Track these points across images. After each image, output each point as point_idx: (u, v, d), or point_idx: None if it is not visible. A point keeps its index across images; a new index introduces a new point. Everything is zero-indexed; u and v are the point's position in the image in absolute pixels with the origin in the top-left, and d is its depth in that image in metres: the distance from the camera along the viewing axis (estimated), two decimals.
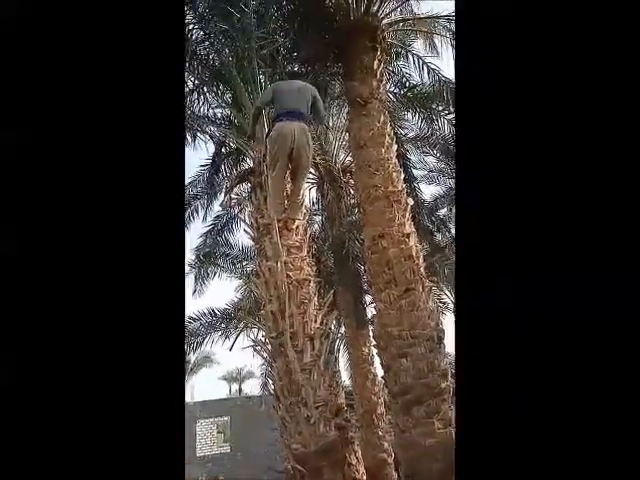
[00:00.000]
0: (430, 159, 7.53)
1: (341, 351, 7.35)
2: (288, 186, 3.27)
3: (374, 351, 5.34)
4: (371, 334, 5.89)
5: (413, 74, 5.66)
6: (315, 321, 3.06)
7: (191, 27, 4.40)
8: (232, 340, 7.11)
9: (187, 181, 6.39)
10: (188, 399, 16.58)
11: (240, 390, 22.59)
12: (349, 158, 6.82)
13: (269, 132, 3.04)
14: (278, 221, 3.31)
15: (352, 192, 6.73)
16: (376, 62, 4.34)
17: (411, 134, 6.92)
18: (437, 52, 6.09)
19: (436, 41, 5.97)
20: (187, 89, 4.94)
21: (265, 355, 3.53)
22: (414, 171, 7.00)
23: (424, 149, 7.25)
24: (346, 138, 6.57)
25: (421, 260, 3.50)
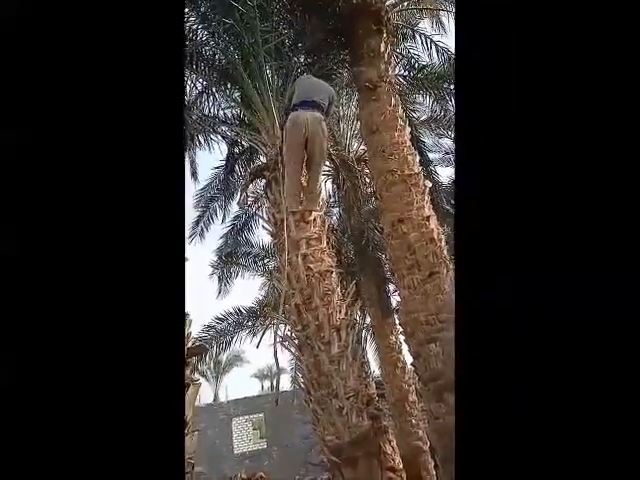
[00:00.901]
0: (445, 141, 7.38)
1: (368, 341, 7.32)
2: (304, 178, 3.24)
3: (402, 339, 5.30)
4: (397, 322, 5.85)
5: (422, 55, 5.53)
6: (340, 312, 3.04)
7: (194, 28, 4.40)
8: (259, 337, 7.17)
9: (203, 184, 6.47)
10: (222, 398, 16.91)
11: (272, 387, 22.89)
12: (362, 147, 6.75)
13: (283, 123, 3.02)
14: (294, 213, 3.29)
15: (368, 181, 6.66)
16: (383, 45, 4.25)
17: (424, 117, 6.80)
18: (444, 30, 5.94)
19: (443, 19, 5.82)
20: (196, 91, 4.98)
21: (293, 349, 3.54)
22: (430, 154, 6.88)
23: (438, 131, 7.10)
24: (358, 127, 6.51)
25: (443, 243, 3.42)
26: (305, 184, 3.21)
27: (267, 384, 23.57)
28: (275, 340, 2.42)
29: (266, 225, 3.73)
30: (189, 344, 2.12)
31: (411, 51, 5.57)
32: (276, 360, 2.70)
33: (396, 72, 5.14)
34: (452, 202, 7.35)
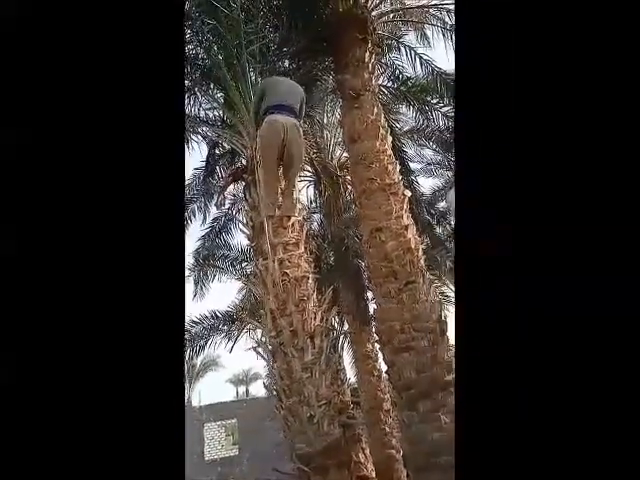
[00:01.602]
0: (427, 152, 7.49)
1: (345, 348, 7.31)
2: (281, 184, 3.22)
3: (377, 348, 5.30)
4: (374, 331, 5.86)
5: (406, 66, 5.61)
6: (315, 318, 3.01)
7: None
8: (234, 342, 7.07)
9: None
10: (195, 403, 16.59)
11: (247, 392, 22.60)
12: (345, 154, 6.78)
13: (258, 126, 2.97)
14: (272, 218, 3.25)
15: (349, 188, 6.69)
16: (367, 54, 4.29)
17: (406, 127, 6.88)
18: (429, 43, 6.04)
19: (427, 32, 5.92)
20: None
21: (266, 355, 3.49)
22: (411, 164, 6.96)
23: (420, 142, 7.19)
24: (341, 134, 6.54)
25: (421, 252, 3.45)
26: (282, 190, 3.18)
27: (242, 389, 23.29)
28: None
29: (244, 228, 3.68)
30: None
31: (395, 62, 5.66)
32: None
33: (380, 82, 5.20)
34: (432, 212, 7.46)
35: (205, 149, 5.65)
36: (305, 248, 3.39)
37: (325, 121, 6.83)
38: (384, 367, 5.48)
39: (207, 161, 5.89)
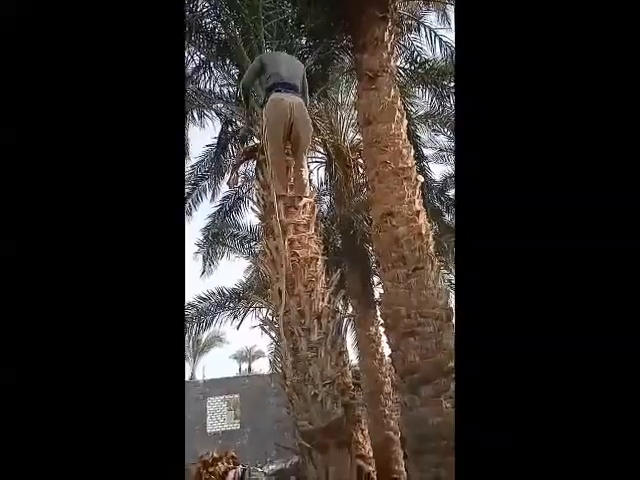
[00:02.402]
0: (441, 138, 7.36)
1: (349, 331, 7.38)
2: (291, 164, 3.20)
3: (381, 331, 5.33)
4: (378, 314, 5.89)
5: (425, 48, 5.47)
6: (322, 300, 3.03)
7: None
8: (240, 319, 7.16)
9: (194, 161, 6.35)
10: (199, 377, 16.95)
11: (250, 369, 23.01)
12: (358, 137, 6.70)
13: (264, 102, 2.92)
14: (283, 198, 3.25)
15: (361, 171, 6.63)
16: (387, 34, 4.18)
17: (421, 112, 6.76)
18: (449, 24, 5.87)
19: (449, 13, 5.75)
20: (193, 65, 4.85)
21: (272, 333, 3.53)
22: (424, 150, 6.86)
23: (434, 127, 7.07)
24: (355, 116, 6.45)
25: (430, 239, 3.43)
26: (292, 170, 3.17)
27: (245, 366, 23.71)
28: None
29: (255, 207, 3.68)
30: None
31: (414, 43, 5.52)
32: None
33: (398, 63, 5.08)
34: (442, 199, 7.39)
35: (218, 126, 5.61)
36: (315, 230, 3.39)
37: (339, 101, 6.72)
38: (386, 351, 5.54)
39: (219, 138, 5.85)
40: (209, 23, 4.43)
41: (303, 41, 4.51)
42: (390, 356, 3.41)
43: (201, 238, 7.22)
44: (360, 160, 6.55)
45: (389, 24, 4.23)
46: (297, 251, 3.16)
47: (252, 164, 4.20)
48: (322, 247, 3.43)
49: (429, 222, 3.72)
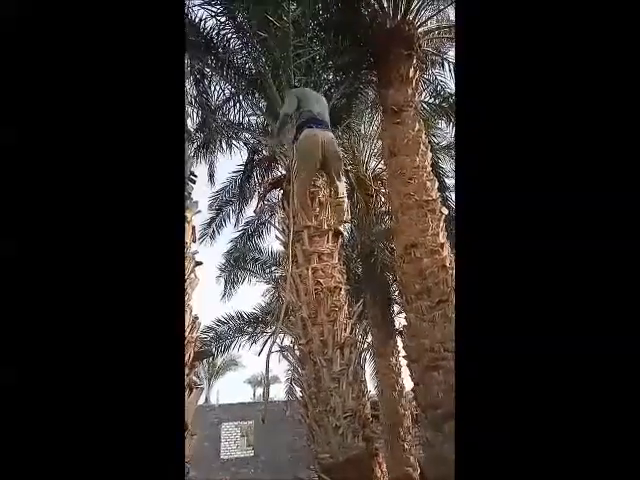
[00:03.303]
0: None
1: (367, 360, 7.27)
2: (324, 190, 3.30)
3: (402, 362, 5.25)
4: (399, 344, 5.81)
5: (448, 82, 5.60)
6: (345, 330, 3.04)
7: (229, 37, 4.51)
8: (259, 344, 7.16)
9: (219, 187, 6.55)
10: (213, 401, 16.79)
11: (264, 394, 22.66)
12: (380, 166, 6.80)
13: (295, 138, 3.04)
14: (309, 227, 3.32)
15: (383, 200, 6.69)
16: (412, 70, 4.31)
17: (444, 142, 6.84)
18: None
19: None
20: (223, 97, 5.08)
21: (292, 360, 3.53)
22: (446, 180, 6.90)
23: None
24: (377, 146, 6.57)
25: (454, 271, 3.42)
26: (334, 197, 3.27)
27: (259, 391, 23.40)
28: (269, 351, 2.38)
29: (279, 235, 3.76)
30: (195, 348, 2.13)
31: (438, 78, 5.66)
32: (266, 373, 2.66)
33: (422, 98, 5.21)
34: None
35: (245, 154, 5.80)
36: (339, 259, 3.43)
37: (362, 132, 6.87)
38: (406, 383, 5.42)
39: (245, 165, 6.04)
40: (240, 59, 4.66)
41: (330, 76, 4.68)
42: (413, 390, 3.36)
43: (223, 262, 7.34)
44: (382, 189, 6.64)
45: (414, 61, 4.37)
46: (321, 280, 3.20)
47: (276, 192, 4.32)
48: (345, 276, 3.46)
49: (453, 254, 3.72)
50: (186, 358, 1.95)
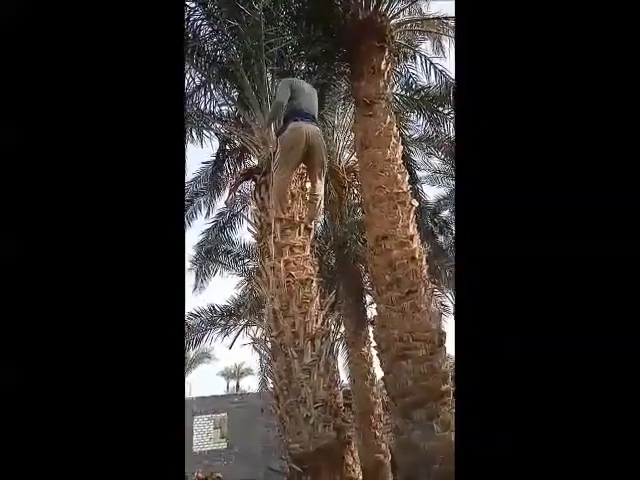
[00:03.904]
0: (434, 160, 7.53)
1: (340, 350, 7.36)
2: (305, 186, 3.29)
3: (373, 351, 5.34)
4: (371, 335, 5.90)
5: (420, 75, 5.66)
6: (316, 321, 3.06)
7: (199, 23, 4.39)
8: (231, 337, 7.12)
9: (190, 177, 6.41)
10: (186, 394, 16.61)
11: (238, 386, 22.65)
12: (353, 158, 6.82)
13: (281, 130, 3.01)
14: (281, 219, 3.31)
15: (355, 192, 6.73)
16: (384, 63, 4.32)
17: (415, 135, 6.93)
18: (444, 53, 6.09)
19: (444, 42, 5.96)
20: (194, 85, 4.95)
21: (264, 353, 3.53)
22: (417, 172, 7.01)
23: (428, 150, 7.23)
24: (351, 138, 6.58)
25: (424, 262, 3.49)
26: (307, 192, 3.25)
27: (232, 383, 23.33)
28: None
29: (251, 228, 3.73)
30: None
31: (410, 70, 5.70)
32: None
33: (394, 90, 5.24)
34: (436, 221, 7.50)
35: (216, 144, 5.69)
36: (311, 251, 3.44)
37: (336, 123, 6.87)
38: (378, 372, 5.52)
39: (217, 156, 5.93)
40: (211, 46, 4.55)
41: (302, 67, 4.64)
42: (383, 379, 3.43)
43: (194, 254, 7.23)
44: (354, 181, 6.67)
45: (386, 53, 4.38)
46: (292, 272, 3.20)
47: (249, 184, 4.27)
48: (317, 268, 3.47)
49: (422, 245, 3.79)
50: None
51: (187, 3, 4.25)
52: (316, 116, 3.03)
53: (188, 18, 4.37)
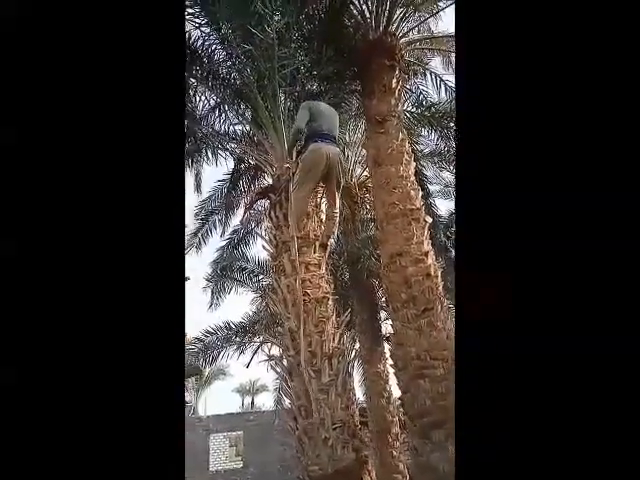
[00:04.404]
0: (446, 174, 7.52)
1: (355, 367, 7.28)
2: (319, 203, 3.33)
3: (389, 368, 5.27)
4: (387, 351, 5.83)
5: (430, 91, 5.71)
6: (333, 340, 3.05)
7: (214, 48, 4.52)
8: (247, 354, 7.11)
9: (205, 196, 6.52)
10: (201, 412, 16.56)
11: (253, 403, 22.49)
12: (365, 173, 6.86)
13: (301, 150, 3.07)
14: (296, 237, 3.33)
15: (368, 207, 6.75)
16: (394, 81, 4.38)
17: (427, 150, 6.95)
18: (453, 69, 6.13)
19: (453, 59, 6.01)
20: (208, 107, 5.07)
21: (280, 370, 3.52)
22: (430, 186, 7.01)
23: (440, 164, 7.24)
24: (362, 153, 6.63)
25: (439, 279, 3.47)
26: (328, 212, 3.30)
27: (248, 400, 23.18)
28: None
29: (267, 246, 3.75)
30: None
31: (420, 87, 5.76)
32: None
33: (405, 107, 5.29)
34: (449, 235, 7.44)
35: (231, 163, 5.79)
36: (326, 269, 3.45)
37: (347, 140, 6.93)
38: (394, 389, 5.44)
39: (231, 175, 6.03)
40: (224, 69, 4.67)
41: (314, 86, 4.72)
42: (400, 398, 3.38)
43: (210, 272, 7.29)
44: (367, 196, 6.69)
45: (397, 72, 4.44)
46: (308, 291, 3.20)
47: (263, 202, 4.32)
48: (332, 286, 3.47)
49: (437, 260, 3.77)
50: None
51: (202, 29, 4.40)
52: (336, 137, 3.09)
53: (203, 43, 4.52)
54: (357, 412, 3.13)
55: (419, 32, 5.43)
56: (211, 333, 7.00)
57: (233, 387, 23.52)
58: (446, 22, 11.38)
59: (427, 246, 3.60)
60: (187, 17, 4.29)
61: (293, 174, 3.21)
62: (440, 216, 7.24)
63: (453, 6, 5.11)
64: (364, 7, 4.66)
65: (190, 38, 4.55)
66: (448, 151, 6.53)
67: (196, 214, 6.66)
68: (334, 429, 2.69)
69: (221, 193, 6.39)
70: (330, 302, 3.26)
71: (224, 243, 6.99)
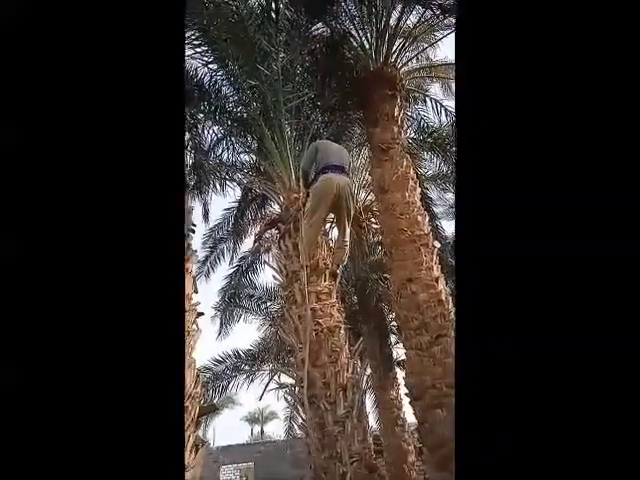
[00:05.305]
0: (449, 195, 7.58)
1: (367, 393, 7.15)
2: (328, 232, 3.36)
3: (402, 394, 5.19)
4: (399, 377, 5.75)
5: (431, 117, 5.83)
6: (347, 370, 3.02)
7: (221, 83, 4.68)
8: (256, 382, 7.02)
9: (212, 224, 6.59)
10: (210, 439, 16.20)
11: (262, 432, 22.01)
12: (370, 197, 6.93)
13: (312, 182, 3.14)
14: (306, 267, 3.35)
15: (374, 232, 6.79)
16: (396, 109, 4.49)
17: (430, 172, 7.03)
18: (452, 94, 6.28)
19: (452, 85, 6.16)
20: (216, 139, 5.20)
21: (290, 399, 3.48)
22: (434, 208, 7.05)
23: (443, 186, 7.31)
24: (366, 178, 6.71)
25: (451, 305, 3.45)
26: (338, 241, 3.33)
27: (257, 429, 22.71)
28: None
29: (277, 275, 3.78)
30: (200, 402, 2.10)
31: (421, 113, 5.89)
32: None
33: (407, 134, 5.39)
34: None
35: (238, 193, 5.89)
36: (337, 297, 3.45)
37: (351, 166, 7.03)
38: (408, 416, 5.33)
39: (239, 203, 6.11)
40: (232, 103, 4.81)
41: (319, 117, 4.84)
42: (417, 429, 3.32)
43: (218, 300, 7.29)
44: (372, 219, 6.74)
45: (398, 100, 4.56)
46: (320, 320, 3.20)
47: (271, 231, 4.37)
48: (344, 315, 3.47)
49: (446, 284, 3.76)
50: (191, 415, 1.91)
51: (209, 67, 4.56)
52: (347, 167, 3.16)
53: (210, 80, 4.68)
54: (371, 440, 3.07)
55: (418, 61, 5.59)
56: (220, 362, 6.94)
57: (242, 416, 23.11)
58: (444, 50, 11.66)
59: (437, 271, 3.61)
60: (194, 56, 4.47)
61: (304, 204, 3.26)
62: (446, 237, 7.25)
63: (450, 35, 5.28)
64: (364, 40, 4.83)
65: (197, 74, 4.72)
66: (451, 173, 6.60)
67: (204, 242, 6.73)
68: (351, 464, 2.64)
69: (229, 221, 6.47)
70: (342, 331, 3.25)
71: (232, 271, 7.02)
